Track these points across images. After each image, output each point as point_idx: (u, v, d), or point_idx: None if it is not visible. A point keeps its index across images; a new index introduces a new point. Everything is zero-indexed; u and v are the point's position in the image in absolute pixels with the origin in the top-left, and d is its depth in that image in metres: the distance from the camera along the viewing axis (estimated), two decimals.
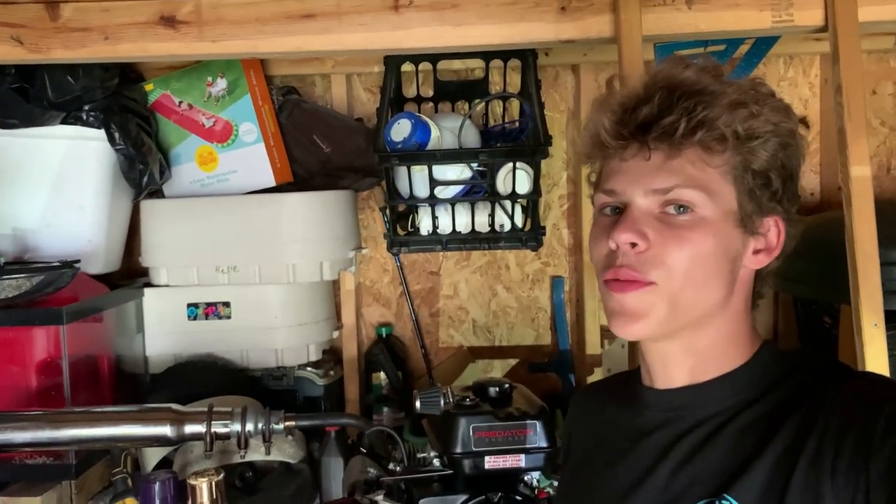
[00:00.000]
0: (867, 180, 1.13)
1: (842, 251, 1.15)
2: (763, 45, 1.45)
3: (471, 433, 1.10)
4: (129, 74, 1.61)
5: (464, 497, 1.08)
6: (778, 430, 0.67)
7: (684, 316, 0.71)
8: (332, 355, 1.73)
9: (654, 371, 0.78)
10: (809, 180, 1.73)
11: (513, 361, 1.78)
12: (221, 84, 1.61)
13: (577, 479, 0.86)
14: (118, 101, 1.51)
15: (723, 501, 0.67)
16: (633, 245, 0.70)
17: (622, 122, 0.72)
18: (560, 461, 0.94)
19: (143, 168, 1.52)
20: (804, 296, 1.49)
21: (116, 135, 1.48)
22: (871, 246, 1.11)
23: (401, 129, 1.41)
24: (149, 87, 1.63)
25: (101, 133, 1.47)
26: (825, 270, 1.27)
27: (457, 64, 1.65)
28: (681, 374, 0.76)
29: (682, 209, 0.70)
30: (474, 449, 1.10)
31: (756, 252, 0.74)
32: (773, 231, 0.74)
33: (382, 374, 1.68)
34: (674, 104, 0.69)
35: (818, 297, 1.41)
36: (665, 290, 0.70)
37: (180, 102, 1.62)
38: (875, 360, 1.08)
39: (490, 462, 1.10)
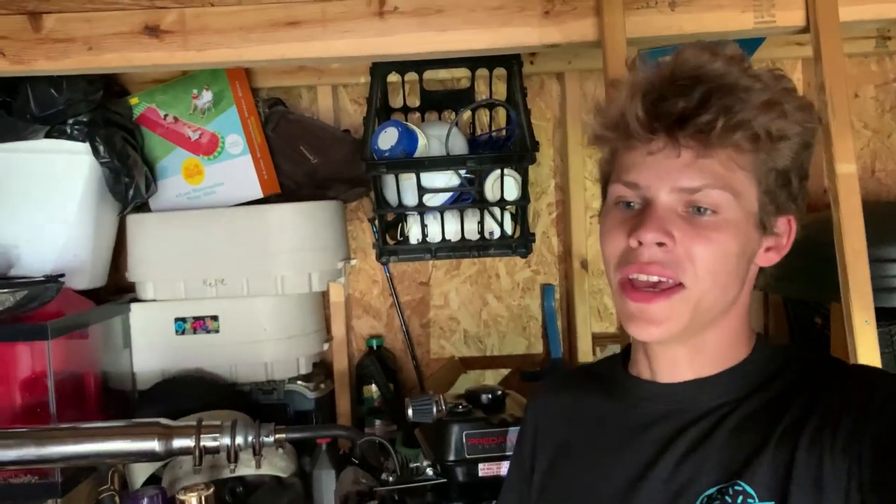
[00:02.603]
0: (853, 177, 1.13)
1: (830, 251, 1.15)
2: (746, 48, 1.46)
3: (464, 440, 1.09)
4: (113, 88, 1.60)
5: None
6: (781, 416, 0.68)
7: (703, 318, 0.72)
8: (322, 368, 1.71)
9: (658, 367, 0.77)
10: None
11: (505, 371, 1.76)
12: (207, 96, 1.60)
13: (559, 476, 0.83)
14: (103, 115, 1.50)
15: (735, 487, 0.67)
16: (660, 244, 0.69)
17: (656, 113, 0.69)
18: (522, 458, 0.89)
19: (129, 182, 1.51)
20: (794, 296, 1.49)
21: (101, 148, 1.46)
22: (860, 242, 1.11)
23: (388, 137, 1.41)
24: (134, 100, 1.62)
25: (86, 147, 1.46)
26: (814, 271, 1.27)
27: (442, 73, 1.65)
28: (687, 370, 0.76)
29: (704, 210, 0.70)
30: (468, 456, 1.09)
31: (767, 250, 0.74)
32: (786, 230, 0.75)
33: (374, 387, 1.66)
34: (710, 101, 0.68)
35: (808, 298, 1.41)
36: (693, 292, 0.70)
37: (166, 115, 1.62)
38: (867, 358, 1.08)
39: (484, 469, 1.09)
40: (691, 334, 0.73)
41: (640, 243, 0.70)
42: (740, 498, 0.66)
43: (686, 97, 0.68)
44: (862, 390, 0.66)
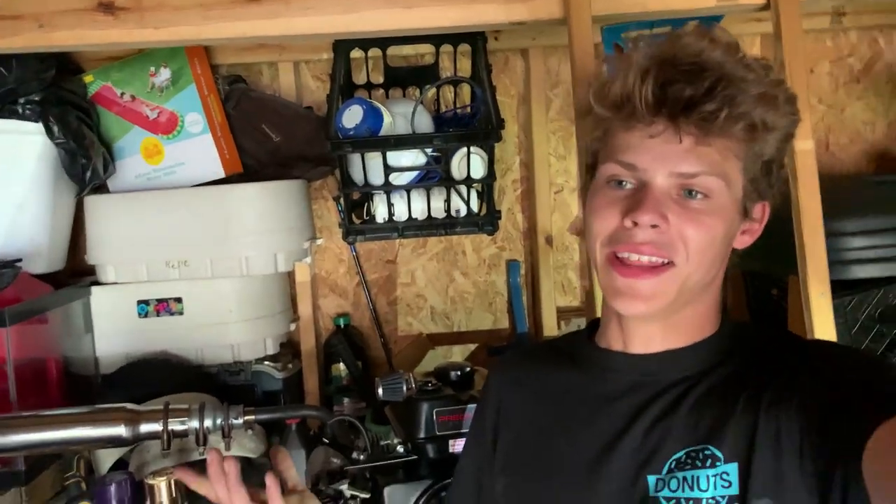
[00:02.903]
0: (811, 154, 1.16)
1: (788, 225, 1.19)
2: (706, 24, 1.48)
3: (434, 417, 1.10)
4: (67, 66, 1.55)
5: (428, 482, 1.08)
6: (744, 385, 0.72)
7: (687, 295, 0.74)
8: (289, 348, 1.71)
9: (631, 339, 0.79)
10: None
11: (472, 346, 1.78)
12: (165, 74, 1.56)
13: (525, 448, 0.85)
14: (56, 94, 1.45)
15: (704, 451, 0.70)
16: (653, 226, 0.71)
17: (663, 97, 0.70)
18: (483, 432, 0.90)
19: (86, 162, 1.47)
20: (752, 269, 1.53)
21: (55, 128, 1.42)
22: (817, 218, 1.14)
23: (352, 116, 1.39)
24: (88, 78, 1.57)
25: (39, 127, 1.41)
26: (772, 244, 1.30)
27: (407, 50, 1.63)
28: (660, 343, 0.78)
29: (697, 194, 0.72)
30: (438, 433, 1.10)
31: (743, 233, 0.77)
32: (760, 215, 0.78)
33: (342, 365, 1.66)
34: (716, 90, 0.69)
35: (766, 271, 1.45)
36: (681, 271, 0.72)
37: (122, 94, 1.57)
38: (823, 328, 1.12)
39: (454, 445, 1.10)
40: (673, 311, 0.76)
41: (636, 224, 0.72)
42: (709, 461, 0.70)
43: (692, 84, 0.69)
44: (818, 360, 0.70)
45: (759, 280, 1.53)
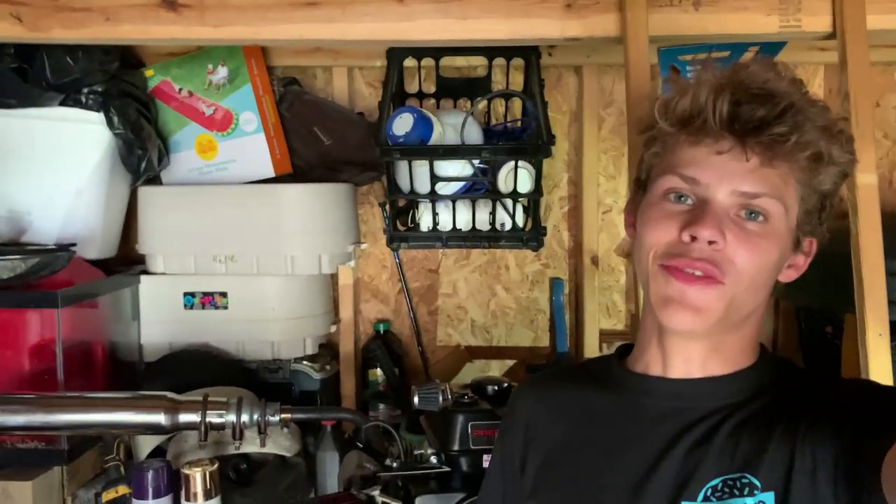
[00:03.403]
0: (874, 188, 1.13)
1: (845, 261, 1.15)
2: (767, 52, 1.45)
3: (469, 430, 1.09)
4: (129, 59, 1.59)
5: (461, 495, 1.07)
6: (781, 417, 0.71)
7: (732, 317, 0.74)
8: (328, 350, 1.72)
9: (672, 362, 0.79)
10: None
11: (510, 362, 1.76)
12: (222, 72, 1.59)
13: (558, 471, 0.83)
14: (118, 86, 1.49)
15: (742, 480, 0.70)
16: (711, 243, 0.71)
17: (736, 114, 0.71)
18: (510, 454, 0.88)
19: (142, 154, 1.51)
20: (807, 305, 1.48)
21: (115, 119, 1.46)
22: (877, 255, 1.10)
23: (403, 123, 1.40)
24: (149, 72, 1.61)
25: (100, 116, 1.46)
26: (829, 280, 1.26)
27: (459, 61, 1.64)
28: (699, 368, 0.78)
29: (756, 215, 0.72)
30: (472, 447, 1.09)
31: (789, 266, 0.78)
32: (808, 250, 0.78)
33: (379, 371, 1.67)
34: (786, 115, 0.70)
35: (821, 307, 1.41)
36: (730, 290, 0.72)
37: (180, 89, 1.61)
38: (880, 370, 1.08)
39: (488, 460, 1.09)
40: (717, 332, 0.75)
41: (694, 239, 0.72)
42: (746, 489, 0.69)
43: (765, 107, 0.71)
44: (853, 393, 0.72)
45: (813, 316, 1.49)
